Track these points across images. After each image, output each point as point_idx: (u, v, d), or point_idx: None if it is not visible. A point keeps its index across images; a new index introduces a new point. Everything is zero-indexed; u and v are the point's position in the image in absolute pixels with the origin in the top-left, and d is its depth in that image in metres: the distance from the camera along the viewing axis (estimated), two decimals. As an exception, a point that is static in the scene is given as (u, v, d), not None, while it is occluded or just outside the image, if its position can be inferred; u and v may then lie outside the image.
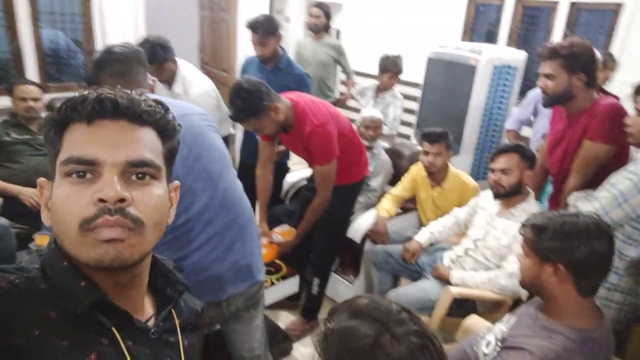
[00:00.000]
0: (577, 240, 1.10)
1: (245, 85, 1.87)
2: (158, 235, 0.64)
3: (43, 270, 0.62)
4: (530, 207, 1.92)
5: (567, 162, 1.81)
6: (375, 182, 2.78)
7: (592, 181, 1.69)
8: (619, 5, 3.34)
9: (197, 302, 0.84)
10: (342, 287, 2.60)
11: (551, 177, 2.05)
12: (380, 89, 3.38)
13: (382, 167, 2.81)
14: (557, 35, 3.75)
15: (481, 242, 2.04)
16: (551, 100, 1.79)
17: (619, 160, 1.69)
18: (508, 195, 1.93)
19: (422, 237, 2.30)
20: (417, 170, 2.62)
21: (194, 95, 2.41)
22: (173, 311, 0.74)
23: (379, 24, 4.89)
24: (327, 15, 3.55)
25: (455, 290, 1.90)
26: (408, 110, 3.83)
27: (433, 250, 2.32)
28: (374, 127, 2.77)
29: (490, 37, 4.25)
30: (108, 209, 0.57)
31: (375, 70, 3.35)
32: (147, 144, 0.63)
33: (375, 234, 2.48)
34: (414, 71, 3.77)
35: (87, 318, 0.60)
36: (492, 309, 1.99)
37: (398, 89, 3.38)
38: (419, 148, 2.90)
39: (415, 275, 2.28)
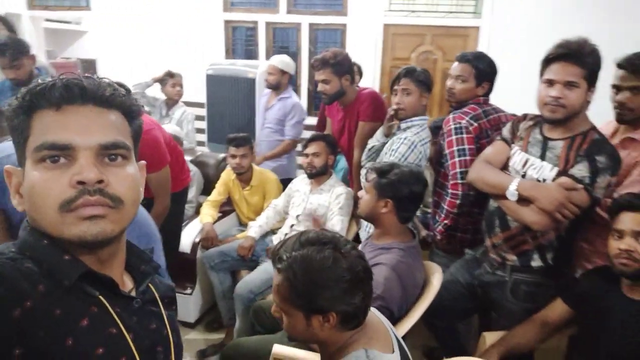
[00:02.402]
0: (403, 183, 1.57)
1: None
2: (134, 212, 0.67)
3: (21, 252, 0.63)
4: (334, 182, 2.42)
5: (352, 140, 2.38)
6: (189, 194, 2.88)
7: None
8: (344, 25, 4.33)
9: (167, 280, 0.87)
10: (180, 300, 2.60)
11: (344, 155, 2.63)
12: (169, 104, 3.45)
13: (192, 179, 2.93)
14: (304, 51, 4.54)
15: (301, 216, 2.43)
16: (330, 99, 2.32)
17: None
18: (319, 174, 2.38)
19: (254, 232, 2.54)
20: (227, 175, 2.86)
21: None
22: (151, 286, 0.77)
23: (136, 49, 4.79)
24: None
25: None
26: (199, 130, 3.98)
27: (262, 238, 2.60)
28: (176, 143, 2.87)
29: (250, 54, 4.78)
30: (87, 190, 0.60)
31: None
32: (116, 126, 0.66)
33: (206, 240, 2.59)
34: (194, 90, 3.95)
35: (74, 290, 0.62)
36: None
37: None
38: (221, 155, 3.15)
39: (253, 264, 2.52)
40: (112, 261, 0.68)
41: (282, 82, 3.16)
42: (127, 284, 0.74)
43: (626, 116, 1.65)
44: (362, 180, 1.98)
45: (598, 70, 1.48)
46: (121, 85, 0.71)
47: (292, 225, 2.45)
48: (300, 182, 2.53)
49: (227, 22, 4.66)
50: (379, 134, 2.15)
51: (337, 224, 2.28)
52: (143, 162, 0.74)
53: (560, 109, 1.47)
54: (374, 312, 1.11)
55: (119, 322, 0.65)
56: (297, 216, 2.44)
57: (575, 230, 1.59)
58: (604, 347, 1.35)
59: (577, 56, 1.44)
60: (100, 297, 0.64)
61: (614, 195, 1.52)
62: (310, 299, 0.96)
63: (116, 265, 0.70)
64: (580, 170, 1.44)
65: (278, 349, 1.50)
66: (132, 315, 0.68)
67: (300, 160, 2.45)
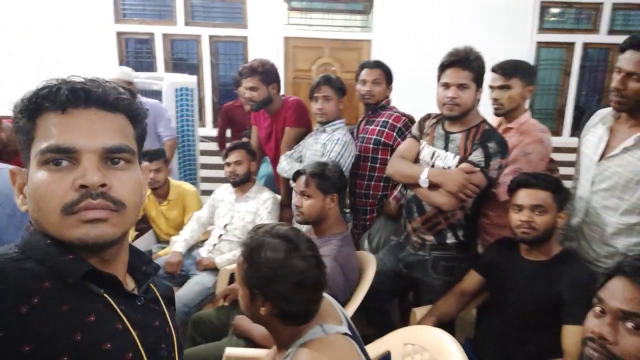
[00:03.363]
0: (340, 175, 1.75)
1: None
2: (137, 215, 0.69)
3: (24, 253, 0.63)
4: (258, 189, 2.49)
5: (279, 147, 2.48)
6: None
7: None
8: (245, 38, 4.41)
9: (165, 282, 0.87)
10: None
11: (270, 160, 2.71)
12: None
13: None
14: (206, 63, 4.52)
15: (230, 225, 2.45)
16: (258, 106, 2.40)
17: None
18: (243, 182, 2.42)
19: (180, 246, 2.48)
20: (141, 191, 2.75)
21: None
22: (152, 285, 0.78)
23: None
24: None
25: (229, 267, 2.25)
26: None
27: (188, 252, 2.56)
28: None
29: (145, 67, 4.60)
30: (90, 193, 0.60)
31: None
32: (120, 130, 0.66)
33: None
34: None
35: (79, 288, 0.63)
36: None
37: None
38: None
39: (182, 280, 2.46)
40: (115, 262, 0.69)
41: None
42: (129, 284, 0.75)
43: (500, 110, 2.01)
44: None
45: (483, 73, 1.77)
46: (127, 89, 0.71)
47: (220, 236, 2.46)
48: (224, 191, 2.55)
49: (119, 33, 4.45)
50: None
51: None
52: (146, 164, 0.75)
53: (456, 107, 1.73)
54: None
55: (124, 318, 0.66)
56: (225, 226, 2.45)
57: (478, 209, 1.87)
58: (511, 303, 1.62)
59: (465, 62, 1.71)
60: (105, 295, 0.66)
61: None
62: (255, 282, 1.02)
63: (119, 266, 0.71)
64: (477, 156, 1.71)
65: (231, 351, 1.53)
66: (136, 313, 0.69)
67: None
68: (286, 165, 2.32)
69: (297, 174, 1.81)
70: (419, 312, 1.83)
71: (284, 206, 2.50)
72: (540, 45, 4.18)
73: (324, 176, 1.75)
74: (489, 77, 1.99)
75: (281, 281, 1.01)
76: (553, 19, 4.26)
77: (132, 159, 0.67)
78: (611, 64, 4.30)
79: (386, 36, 4.30)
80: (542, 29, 4.16)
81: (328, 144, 2.15)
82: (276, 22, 4.39)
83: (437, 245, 1.84)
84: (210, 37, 4.48)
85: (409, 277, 1.94)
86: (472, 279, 1.80)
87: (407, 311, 1.96)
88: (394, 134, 2.22)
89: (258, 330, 1.64)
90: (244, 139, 2.95)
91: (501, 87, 1.98)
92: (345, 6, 4.44)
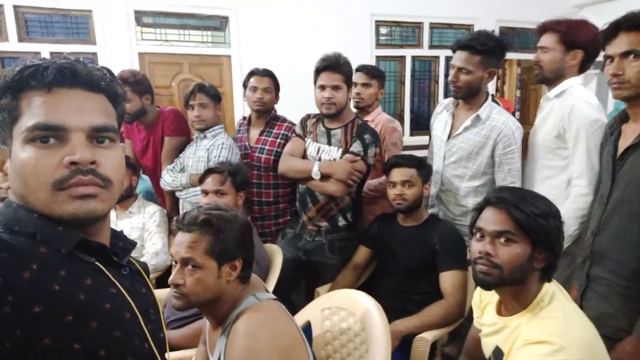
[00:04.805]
0: (246, 172, 1.91)
1: None
2: (120, 191, 0.72)
3: (9, 228, 0.64)
4: (142, 203, 2.40)
5: (158, 158, 2.43)
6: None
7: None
8: (95, 54, 4.14)
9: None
10: None
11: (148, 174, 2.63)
12: None
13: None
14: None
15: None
16: (131, 118, 2.34)
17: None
18: (125, 198, 2.31)
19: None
20: None
21: None
22: (132, 259, 0.81)
23: None
24: None
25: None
26: None
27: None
28: None
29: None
30: (80, 170, 0.63)
31: None
32: (104, 109, 0.69)
33: None
34: None
35: (71, 257, 0.65)
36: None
37: None
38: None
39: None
40: (100, 236, 0.72)
41: None
42: None
43: (360, 103, 2.45)
44: (197, 194, 2.11)
45: (352, 75, 2.07)
46: (107, 70, 0.72)
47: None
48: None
49: None
50: None
51: (158, 241, 2.28)
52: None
53: (332, 106, 1.99)
54: None
55: (117, 283, 0.70)
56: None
57: (360, 193, 2.15)
58: (397, 264, 1.91)
59: (336, 66, 1.98)
60: (96, 262, 0.69)
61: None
62: (224, 245, 1.14)
63: (103, 240, 0.73)
64: (356, 146, 1.98)
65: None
66: (125, 280, 0.74)
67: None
68: (169, 178, 2.31)
69: (209, 173, 1.85)
70: (322, 290, 2.02)
71: (172, 219, 2.45)
72: (379, 58, 4.82)
73: (238, 174, 1.84)
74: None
75: (239, 236, 1.18)
76: (385, 37, 4.96)
77: (116, 137, 0.71)
78: (434, 73, 5.19)
79: (244, 51, 4.47)
80: (379, 45, 4.82)
81: (213, 150, 2.21)
82: (128, 38, 4.21)
83: (331, 229, 2.06)
84: (52, 53, 4.07)
85: (309, 262, 2.12)
86: (362, 253, 2.07)
87: (311, 297, 2.13)
88: None
89: (173, 334, 1.64)
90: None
91: (364, 85, 2.40)
92: (200, 22, 4.49)
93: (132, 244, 0.82)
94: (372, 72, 2.42)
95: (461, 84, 1.90)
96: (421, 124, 5.17)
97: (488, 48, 1.84)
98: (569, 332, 1.00)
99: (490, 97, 1.97)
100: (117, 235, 0.80)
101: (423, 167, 1.93)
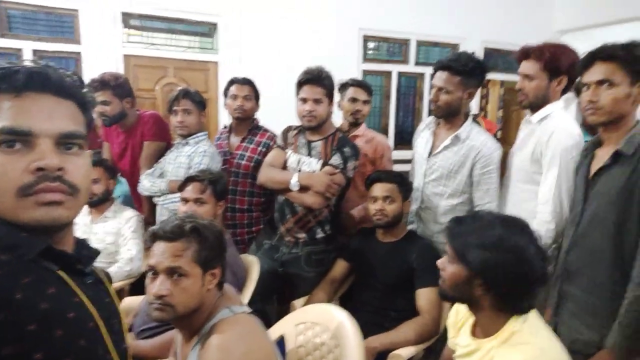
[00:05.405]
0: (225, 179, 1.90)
1: None
2: (85, 199, 0.71)
3: None
4: (118, 207, 2.35)
5: (136, 162, 2.39)
6: None
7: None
8: (79, 54, 4.07)
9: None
10: None
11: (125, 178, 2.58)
12: None
13: None
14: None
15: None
16: (111, 120, 2.31)
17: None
18: (101, 202, 2.27)
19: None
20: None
21: None
22: (94, 268, 0.78)
23: None
24: None
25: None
26: None
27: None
28: None
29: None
30: (47, 176, 0.62)
31: None
32: (72, 116, 0.68)
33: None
34: None
35: (35, 264, 0.64)
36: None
37: None
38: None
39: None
40: (64, 244, 0.71)
41: None
42: None
43: (360, 120, 2.44)
44: (175, 200, 2.07)
45: (333, 89, 2.08)
46: (76, 76, 0.71)
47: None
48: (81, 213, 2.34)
49: None
50: None
51: (133, 247, 2.23)
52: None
53: (313, 119, 1.99)
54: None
55: (79, 293, 0.69)
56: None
57: (339, 205, 2.14)
58: (375, 279, 1.90)
59: (318, 80, 1.99)
60: (60, 272, 0.67)
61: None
62: (209, 253, 1.17)
63: (66, 247, 0.72)
64: (336, 159, 1.98)
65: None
66: (88, 290, 0.72)
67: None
68: (147, 183, 2.27)
69: (189, 181, 1.82)
70: (298, 303, 2.00)
71: (149, 224, 2.41)
72: (366, 72, 4.87)
73: (218, 183, 1.82)
74: (353, 92, 2.41)
75: (217, 245, 1.22)
76: (373, 51, 5.01)
77: (84, 144, 0.70)
78: (419, 89, 5.26)
79: (232, 58, 4.46)
80: (366, 59, 4.87)
81: (195, 157, 2.18)
82: (114, 39, 4.17)
83: (309, 241, 2.05)
84: (35, 51, 4.00)
85: (285, 274, 2.09)
86: (339, 267, 2.06)
87: (286, 310, 2.10)
88: None
89: (142, 345, 1.60)
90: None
91: (365, 102, 2.43)
92: (189, 27, 4.47)
93: (96, 253, 0.80)
94: (370, 90, 2.48)
95: (441, 103, 1.92)
96: (405, 139, 5.22)
97: (468, 69, 1.87)
98: (543, 357, 1.00)
99: (470, 118, 2.00)
100: (81, 244, 0.79)
101: (404, 184, 1.94)
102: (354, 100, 2.40)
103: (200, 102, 2.26)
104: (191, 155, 2.18)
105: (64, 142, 0.66)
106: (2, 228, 0.62)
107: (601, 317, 1.38)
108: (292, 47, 4.45)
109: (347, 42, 4.68)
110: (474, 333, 1.21)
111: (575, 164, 1.63)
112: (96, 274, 0.80)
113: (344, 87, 2.44)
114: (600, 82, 1.40)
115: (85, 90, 0.73)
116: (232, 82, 2.42)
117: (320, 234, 2.06)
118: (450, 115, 1.96)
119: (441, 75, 1.91)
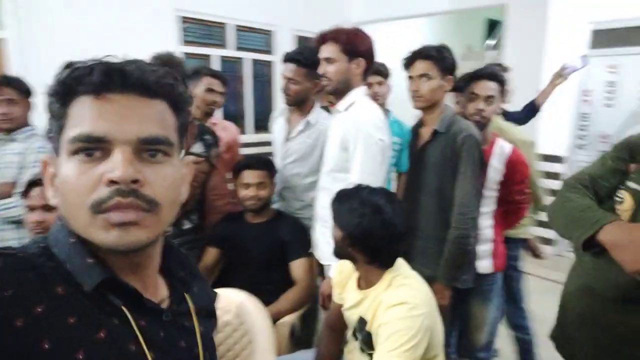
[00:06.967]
0: None
1: None
2: (173, 214, 0.61)
3: (48, 249, 0.57)
4: None
5: None
6: None
7: None
8: None
9: (210, 289, 0.75)
10: None
11: None
12: None
13: None
14: None
15: None
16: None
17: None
18: None
19: None
20: None
21: None
22: (187, 296, 0.68)
23: None
24: None
25: None
26: None
27: None
28: None
29: None
30: (121, 190, 0.54)
31: None
32: (159, 118, 0.59)
33: None
34: None
35: (96, 297, 0.56)
36: None
37: None
38: None
39: None
40: (145, 265, 0.63)
41: None
42: (161, 292, 0.67)
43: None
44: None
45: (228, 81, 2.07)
46: (171, 72, 0.61)
47: None
48: None
49: None
50: None
51: None
52: (190, 157, 0.68)
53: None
54: None
55: (140, 338, 0.59)
56: None
57: (204, 194, 2.16)
58: (250, 257, 2.01)
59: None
60: (124, 307, 0.59)
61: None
62: None
63: (149, 269, 0.64)
64: (199, 148, 1.99)
65: None
66: (159, 331, 0.62)
67: None
68: None
69: (33, 185, 1.56)
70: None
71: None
72: (187, 56, 4.71)
73: None
74: (208, 82, 2.35)
75: None
76: (192, 33, 4.86)
77: (171, 151, 0.60)
78: (238, 75, 5.35)
79: (26, 33, 3.75)
80: (186, 42, 4.71)
81: (30, 154, 1.89)
82: None
83: (177, 233, 2.02)
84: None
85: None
86: (210, 254, 2.10)
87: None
88: None
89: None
90: None
91: (221, 93, 2.43)
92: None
93: (195, 276, 0.72)
94: (226, 80, 2.46)
95: (291, 92, 2.12)
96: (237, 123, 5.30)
97: (311, 62, 2.09)
98: (417, 293, 1.32)
99: (317, 104, 2.25)
100: (182, 263, 0.70)
101: (273, 168, 2.09)
102: (210, 90, 2.36)
103: (27, 91, 1.94)
104: (24, 153, 1.88)
105: (146, 148, 0.57)
106: (72, 249, 0.56)
107: (432, 257, 1.81)
108: (99, 28, 3.97)
109: (162, 23, 4.45)
110: (360, 285, 1.47)
111: (379, 148, 1.71)
112: (189, 302, 0.69)
113: (196, 74, 2.36)
114: (421, 76, 1.79)
115: (179, 88, 0.62)
116: None
117: (187, 225, 2.05)
118: (299, 103, 2.17)
119: (289, 67, 2.10)
